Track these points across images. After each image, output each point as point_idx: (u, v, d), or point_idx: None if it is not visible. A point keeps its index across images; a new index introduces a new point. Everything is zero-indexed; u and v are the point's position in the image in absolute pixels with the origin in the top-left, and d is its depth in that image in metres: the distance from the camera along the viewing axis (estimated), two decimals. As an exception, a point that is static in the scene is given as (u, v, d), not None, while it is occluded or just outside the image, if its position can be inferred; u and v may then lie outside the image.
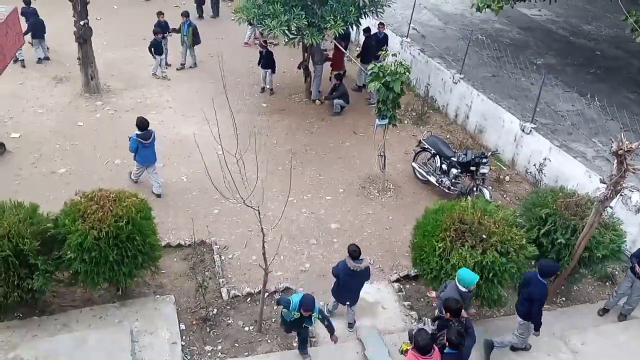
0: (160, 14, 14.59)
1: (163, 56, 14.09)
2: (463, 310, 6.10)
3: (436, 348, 5.66)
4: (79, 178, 10.15)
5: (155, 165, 9.98)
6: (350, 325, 7.61)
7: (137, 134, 9.54)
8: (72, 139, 11.31)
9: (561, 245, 7.53)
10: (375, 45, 13.54)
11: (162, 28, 14.24)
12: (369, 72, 9.56)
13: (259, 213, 6.60)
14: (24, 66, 13.79)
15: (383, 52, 9.99)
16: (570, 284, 8.46)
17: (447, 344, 5.71)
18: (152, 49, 13.70)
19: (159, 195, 9.89)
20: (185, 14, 14.48)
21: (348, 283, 7.15)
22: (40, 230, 6.80)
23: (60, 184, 10.00)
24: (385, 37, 14.29)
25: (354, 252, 7.00)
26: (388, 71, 9.25)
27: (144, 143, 9.57)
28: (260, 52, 13.62)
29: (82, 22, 12.04)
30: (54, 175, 10.24)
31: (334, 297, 7.54)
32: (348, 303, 7.39)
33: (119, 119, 12.15)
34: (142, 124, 9.57)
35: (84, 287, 7.49)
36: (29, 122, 11.62)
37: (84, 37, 12.21)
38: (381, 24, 14.06)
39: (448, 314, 5.99)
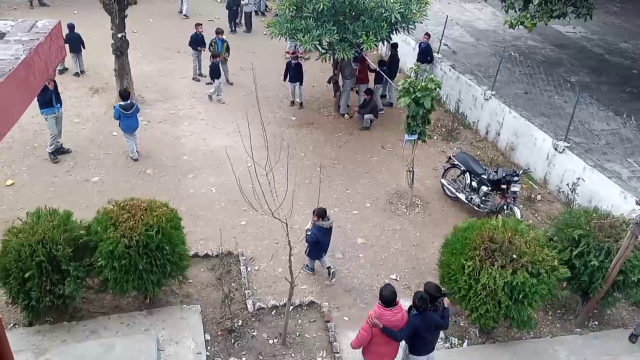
0: (198, 25, 14.81)
1: (222, 79, 13.92)
2: (446, 299, 6.52)
3: (400, 304, 6.19)
4: (111, 186, 10.38)
5: (136, 134, 11.15)
6: (330, 268, 8.53)
7: (120, 105, 10.71)
8: (106, 148, 11.59)
9: (594, 267, 7.31)
10: (420, 54, 14.44)
11: (197, 41, 14.48)
12: (400, 88, 9.55)
13: (287, 225, 6.62)
14: (62, 71, 14.46)
15: (416, 68, 9.97)
16: (604, 308, 8.20)
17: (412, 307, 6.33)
18: (211, 73, 13.52)
19: (135, 159, 11.10)
20: (219, 31, 14.71)
21: (324, 240, 8.32)
22: (74, 237, 6.96)
23: (93, 191, 10.24)
24: (428, 46, 14.47)
25: (324, 213, 8.20)
26: (418, 87, 9.23)
27: (125, 113, 10.65)
28: (288, 65, 13.66)
29: (119, 35, 12.40)
30: (87, 183, 10.50)
31: (312, 257, 8.58)
32: (324, 253, 8.54)
33: (152, 130, 12.41)
34: (125, 94, 10.93)
35: (113, 294, 7.61)
36: (66, 131, 11.94)
37: (120, 49, 12.57)
38: (427, 34, 14.49)
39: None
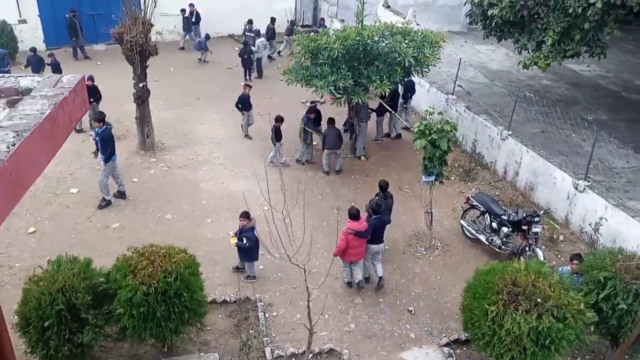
0: (246, 86, 14.69)
1: (282, 142, 13.28)
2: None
3: (364, 218, 8.82)
4: (131, 232, 10.48)
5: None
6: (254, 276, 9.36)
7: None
8: (126, 194, 11.76)
9: (623, 311, 7.07)
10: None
11: (243, 102, 14.20)
12: (416, 130, 9.62)
13: (305, 271, 6.57)
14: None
15: (432, 110, 10.10)
16: (635, 353, 7.87)
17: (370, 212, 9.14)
18: (273, 136, 13.04)
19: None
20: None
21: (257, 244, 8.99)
22: (93, 285, 6.99)
23: (113, 237, 10.34)
24: (412, 82, 14.57)
25: (249, 214, 8.92)
26: (434, 129, 9.28)
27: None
28: (310, 115, 13.34)
29: (141, 85, 12.79)
30: (107, 230, 10.61)
31: (253, 260, 9.21)
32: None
33: (171, 175, 12.60)
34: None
35: (131, 343, 7.55)
36: (87, 178, 12.21)
37: (142, 98, 12.94)
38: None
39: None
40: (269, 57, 20.20)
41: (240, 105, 14.31)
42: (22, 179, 4.01)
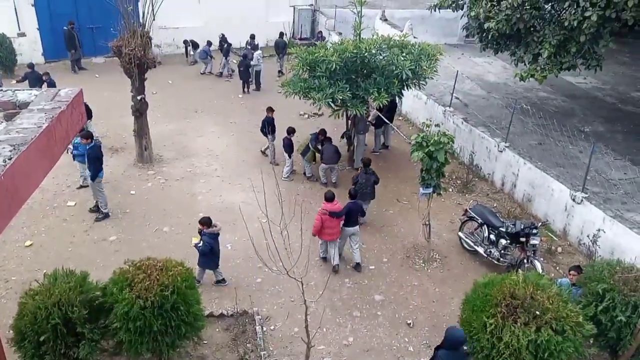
0: (270, 110, 13.89)
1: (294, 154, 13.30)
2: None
3: (337, 201, 9.72)
4: (128, 245, 10.44)
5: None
6: (224, 280, 9.54)
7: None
8: (124, 207, 11.74)
9: (622, 323, 7.05)
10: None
11: (268, 126, 13.57)
12: (413, 142, 9.63)
13: (302, 284, 6.55)
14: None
15: (429, 123, 10.12)
16: (635, 366, 7.82)
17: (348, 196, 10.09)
18: (286, 149, 13.02)
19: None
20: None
21: (216, 247, 9.30)
22: (89, 299, 6.94)
23: (110, 250, 10.29)
24: (395, 103, 14.55)
25: (209, 220, 9.20)
26: (431, 141, 9.30)
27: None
28: (320, 136, 13.11)
29: (139, 97, 12.83)
30: (104, 242, 10.57)
31: (207, 267, 9.42)
32: (218, 261, 9.48)
33: (169, 188, 12.58)
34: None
35: (128, 357, 7.48)
36: (85, 190, 12.17)
37: (140, 110, 12.96)
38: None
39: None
40: (279, 71, 20.16)
41: (265, 130, 13.64)
42: (19, 192, 4.01)
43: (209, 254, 9.20)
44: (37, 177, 3.40)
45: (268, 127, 13.54)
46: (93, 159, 11.00)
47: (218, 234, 9.32)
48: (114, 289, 6.87)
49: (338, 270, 9.91)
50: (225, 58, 19.84)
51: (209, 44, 20.10)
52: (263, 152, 14.13)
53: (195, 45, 20.77)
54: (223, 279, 9.55)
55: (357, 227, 10.09)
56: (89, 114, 14.07)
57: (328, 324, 8.70)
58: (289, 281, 8.03)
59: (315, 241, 10.24)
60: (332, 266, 9.91)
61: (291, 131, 12.99)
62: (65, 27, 19.16)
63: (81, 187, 12.22)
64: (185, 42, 21.07)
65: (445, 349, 6.36)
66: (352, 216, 9.85)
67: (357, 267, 10.06)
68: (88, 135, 11.13)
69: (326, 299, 8.98)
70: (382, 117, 13.10)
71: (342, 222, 9.82)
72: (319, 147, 12.94)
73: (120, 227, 11.06)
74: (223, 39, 20.30)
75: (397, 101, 14.53)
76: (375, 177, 11.23)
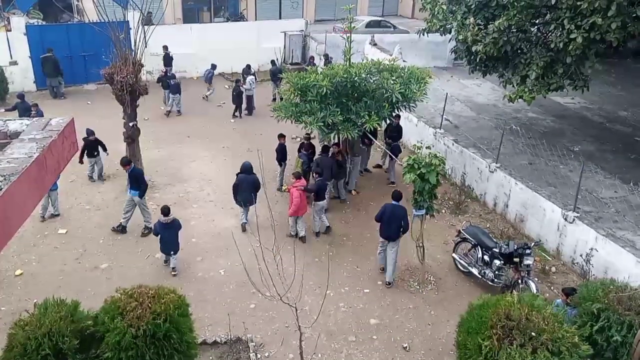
0: (282, 136, 13.67)
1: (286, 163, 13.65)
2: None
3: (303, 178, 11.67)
4: (119, 273, 10.33)
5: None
6: (174, 269, 10.32)
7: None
8: (115, 234, 11.64)
9: (618, 343, 7.03)
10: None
11: (281, 153, 13.51)
12: (405, 164, 9.69)
13: (296, 310, 6.49)
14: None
15: (420, 145, 10.20)
16: (633, 387, 7.76)
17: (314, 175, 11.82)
18: (278, 156, 13.31)
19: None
20: (282, 137, 13.75)
21: (164, 234, 10.18)
22: (80, 328, 6.82)
23: (102, 278, 10.18)
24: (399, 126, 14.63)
25: (167, 210, 10.15)
26: (423, 163, 9.36)
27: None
28: (304, 152, 13.31)
29: (131, 124, 12.85)
30: (96, 271, 10.46)
31: (161, 251, 10.36)
32: (172, 252, 10.33)
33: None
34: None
35: (119, 387, 7.34)
36: (76, 218, 12.10)
37: (132, 137, 12.97)
38: (397, 116, 14.11)
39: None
40: (274, 99, 20.27)
41: (279, 157, 13.55)
42: (9, 222, 3.98)
43: (161, 240, 10.25)
44: (27, 207, 3.39)
45: (280, 154, 13.48)
46: (141, 178, 11.53)
47: (168, 225, 10.13)
48: (106, 317, 6.77)
49: (305, 242, 11.37)
50: (209, 83, 20.15)
51: (214, 67, 20.28)
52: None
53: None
54: (174, 268, 10.38)
55: (326, 201, 11.73)
56: (103, 147, 13.86)
57: (323, 349, 8.61)
58: (283, 306, 7.96)
59: (310, 266, 10.19)
60: (300, 237, 11.34)
61: (282, 136, 13.57)
62: (45, 54, 19.35)
63: (44, 219, 12.01)
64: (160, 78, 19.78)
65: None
66: (321, 192, 11.46)
67: (328, 229, 11.77)
68: (127, 162, 11.53)
69: (321, 324, 8.89)
70: (372, 137, 13.22)
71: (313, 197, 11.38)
72: (311, 159, 13.08)
73: (112, 254, 10.96)
74: (213, 67, 20.48)
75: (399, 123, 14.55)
76: (334, 160, 12.40)
